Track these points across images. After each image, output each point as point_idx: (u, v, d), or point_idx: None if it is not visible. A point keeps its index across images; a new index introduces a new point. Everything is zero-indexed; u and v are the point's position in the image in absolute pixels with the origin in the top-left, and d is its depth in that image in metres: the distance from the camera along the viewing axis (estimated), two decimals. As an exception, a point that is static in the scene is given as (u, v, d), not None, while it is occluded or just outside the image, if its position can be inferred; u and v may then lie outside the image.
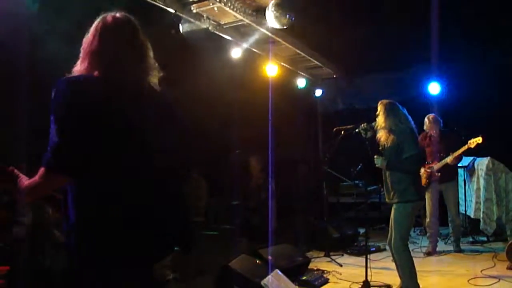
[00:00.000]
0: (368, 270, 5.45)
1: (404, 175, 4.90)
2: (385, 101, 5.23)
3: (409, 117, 5.19)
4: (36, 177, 2.15)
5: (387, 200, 5.13)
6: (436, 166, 7.08)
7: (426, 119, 7.39)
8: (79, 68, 2.31)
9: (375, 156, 5.14)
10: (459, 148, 6.84)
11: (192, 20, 6.11)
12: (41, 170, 2.11)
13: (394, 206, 4.99)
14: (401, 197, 4.91)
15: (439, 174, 7.06)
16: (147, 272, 2.38)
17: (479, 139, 6.63)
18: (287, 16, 5.96)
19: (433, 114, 7.41)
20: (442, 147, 7.14)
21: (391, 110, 5.12)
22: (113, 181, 2.16)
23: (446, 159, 6.97)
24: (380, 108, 5.20)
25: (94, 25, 2.34)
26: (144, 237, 2.23)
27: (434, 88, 9.03)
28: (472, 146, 6.69)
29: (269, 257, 5.87)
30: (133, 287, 2.29)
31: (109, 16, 2.35)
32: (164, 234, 2.34)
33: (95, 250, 2.14)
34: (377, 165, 5.12)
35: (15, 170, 2.34)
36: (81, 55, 2.34)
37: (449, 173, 7.23)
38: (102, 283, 2.19)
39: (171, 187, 2.43)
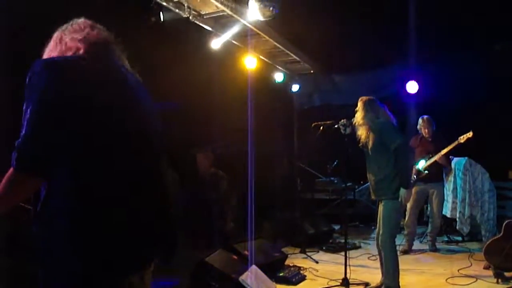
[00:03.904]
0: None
1: (392, 172, 4.86)
2: (365, 97, 5.24)
3: (390, 113, 5.16)
4: (3, 182, 1.84)
5: (373, 197, 5.12)
6: (425, 163, 7.09)
7: (420, 120, 7.44)
8: (54, 52, 2.12)
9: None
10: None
11: (172, 8, 5.96)
12: (9, 171, 1.84)
13: (382, 203, 4.98)
14: (388, 193, 4.88)
15: (426, 172, 7.06)
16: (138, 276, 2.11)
17: (469, 134, 6.67)
18: (271, 8, 5.86)
19: (428, 115, 7.41)
20: (432, 147, 7.17)
21: (370, 107, 5.12)
22: (95, 177, 1.89)
23: (435, 156, 7.00)
24: (359, 105, 5.19)
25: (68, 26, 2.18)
26: (133, 238, 1.99)
27: (411, 87, 9.03)
28: (462, 141, 6.72)
29: (246, 252, 5.79)
30: None
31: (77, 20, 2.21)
32: (150, 235, 2.11)
33: (77, 256, 1.87)
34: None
35: None
36: (53, 44, 2.16)
37: (437, 173, 7.26)
38: None
39: (157, 184, 2.20)
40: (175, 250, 2.25)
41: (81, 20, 2.20)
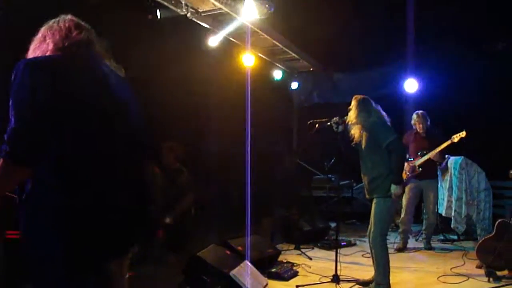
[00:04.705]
0: (338, 264, 5.45)
1: (385, 170, 4.91)
2: (358, 96, 5.23)
3: (383, 112, 5.19)
4: None
5: (367, 196, 5.14)
6: (418, 161, 7.08)
7: (414, 115, 7.38)
8: (38, 50, 2.22)
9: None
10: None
11: (170, 6, 6.01)
12: None
13: (374, 201, 5.00)
14: (381, 191, 4.92)
15: (420, 169, 7.08)
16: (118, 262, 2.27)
17: (462, 134, 6.65)
18: (266, 6, 5.91)
19: (422, 111, 7.39)
20: (426, 144, 7.12)
21: (363, 105, 5.13)
22: (79, 168, 2.01)
23: (428, 154, 6.99)
24: (353, 103, 5.21)
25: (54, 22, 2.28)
26: (111, 227, 2.10)
27: (410, 86, 9.06)
28: (456, 140, 6.70)
29: (240, 248, 5.84)
30: (97, 278, 2.14)
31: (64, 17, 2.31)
32: (130, 224, 2.21)
33: (59, 243, 1.97)
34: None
35: None
36: (37, 42, 2.25)
37: (431, 170, 7.26)
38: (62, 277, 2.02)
39: (136, 175, 2.31)
40: (152, 238, 2.39)
41: (67, 17, 2.31)
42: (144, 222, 2.32)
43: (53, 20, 2.29)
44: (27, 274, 2.05)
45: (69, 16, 2.31)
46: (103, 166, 2.09)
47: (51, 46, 2.19)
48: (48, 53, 2.18)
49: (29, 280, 2.06)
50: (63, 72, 2.07)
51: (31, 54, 2.24)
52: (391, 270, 5.01)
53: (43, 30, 2.27)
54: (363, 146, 5.11)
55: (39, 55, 2.20)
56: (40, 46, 2.22)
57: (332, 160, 9.36)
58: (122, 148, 2.20)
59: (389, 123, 5.15)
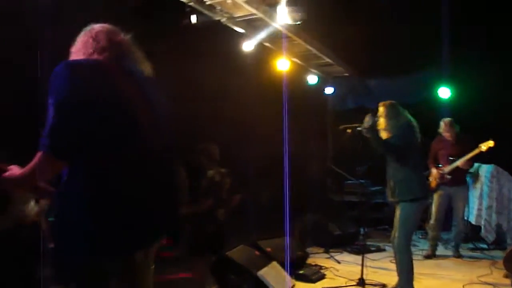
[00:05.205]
0: (365, 268, 5.51)
1: (410, 174, 4.93)
2: (386, 102, 5.23)
3: (411, 118, 5.19)
4: (32, 163, 2.16)
5: (391, 199, 5.13)
6: (447, 168, 7.07)
7: (442, 123, 7.35)
8: (78, 54, 2.41)
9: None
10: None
11: (205, 11, 6.16)
12: (38, 154, 2.13)
13: (399, 206, 5.01)
14: (405, 195, 4.91)
15: (449, 177, 7.06)
16: (141, 253, 2.40)
17: (490, 143, 6.62)
18: (300, 12, 6.00)
19: (450, 118, 7.35)
20: (455, 151, 7.09)
21: (392, 112, 5.13)
22: (110, 163, 2.18)
23: (457, 162, 6.96)
24: (381, 110, 5.19)
25: (92, 29, 2.46)
26: (138, 218, 2.26)
27: (444, 92, 9.02)
28: (484, 149, 6.68)
29: (269, 249, 5.94)
30: (124, 267, 2.32)
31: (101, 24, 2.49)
32: (157, 215, 2.37)
33: (88, 232, 2.14)
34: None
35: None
36: (78, 46, 2.44)
37: (460, 178, 7.21)
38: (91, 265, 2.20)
39: (164, 171, 2.47)
40: (179, 232, 2.55)
41: (105, 25, 2.49)
42: (170, 215, 2.49)
43: (92, 26, 2.48)
44: (56, 261, 2.22)
45: (106, 25, 2.50)
46: (133, 161, 2.25)
47: (90, 50, 2.38)
48: (87, 57, 2.37)
49: (56, 265, 2.23)
50: (100, 75, 2.26)
51: (72, 57, 2.44)
52: (417, 276, 5.04)
53: (82, 35, 2.47)
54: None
55: (80, 58, 2.38)
56: (80, 50, 2.41)
57: (365, 165, 9.38)
58: (152, 144, 2.36)
59: (415, 128, 5.13)
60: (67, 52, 2.48)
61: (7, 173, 2.28)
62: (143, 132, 2.33)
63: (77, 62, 2.34)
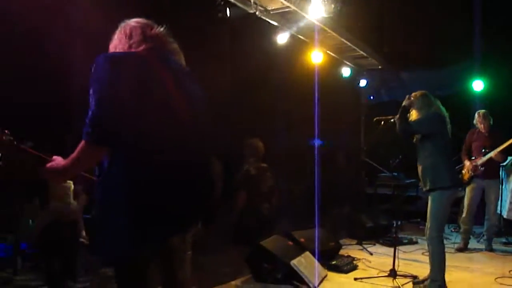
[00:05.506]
0: (397, 260, 5.53)
1: (438, 161, 4.92)
2: (418, 93, 5.21)
3: (442, 108, 5.16)
4: (75, 153, 2.25)
5: (423, 189, 5.14)
6: (480, 160, 7.01)
7: (476, 114, 7.30)
8: (117, 47, 2.53)
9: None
10: None
11: (239, 4, 6.24)
12: (81, 144, 2.22)
13: (430, 197, 5.01)
14: (434, 183, 4.91)
15: (482, 168, 7.01)
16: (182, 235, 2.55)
17: None
18: (333, 4, 6.03)
19: (484, 110, 7.29)
20: (488, 143, 7.03)
21: (423, 102, 5.12)
22: (150, 151, 2.27)
23: (490, 153, 6.90)
24: (413, 100, 5.20)
25: (126, 25, 2.57)
26: (176, 203, 2.35)
27: (477, 85, 8.95)
28: None
29: (302, 240, 6.01)
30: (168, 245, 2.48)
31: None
32: (194, 201, 2.45)
33: (129, 218, 2.23)
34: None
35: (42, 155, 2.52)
36: (114, 43, 2.56)
37: (493, 170, 7.15)
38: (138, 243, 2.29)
39: (202, 161, 2.56)
40: (213, 219, 2.65)
41: (139, 19, 2.60)
42: (206, 201, 2.57)
43: (129, 20, 2.59)
44: (94, 244, 2.33)
45: (142, 19, 2.61)
46: (171, 150, 2.35)
47: (126, 45, 2.49)
48: (126, 50, 2.48)
49: (95, 249, 2.34)
50: (139, 65, 2.35)
51: (111, 50, 2.56)
52: (448, 268, 5.03)
53: (118, 32, 2.58)
54: (418, 139, 5.15)
55: (118, 51, 2.50)
56: (117, 46, 2.53)
57: (398, 158, 9.35)
58: (189, 134, 2.46)
59: (445, 118, 5.11)
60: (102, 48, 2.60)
61: (50, 163, 2.39)
62: (181, 122, 2.41)
63: (116, 54, 2.46)
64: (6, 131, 2.49)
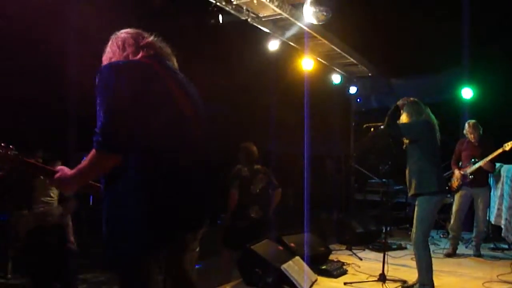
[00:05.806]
0: (386, 265, 5.58)
1: (426, 166, 4.96)
2: (408, 99, 5.25)
3: (432, 116, 5.22)
4: (86, 161, 2.29)
5: (409, 193, 5.17)
6: (470, 169, 7.09)
7: (466, 124, 7.34)
8: (111, 59, 2.57)
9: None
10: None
11: (232, 11, 6.30)
12: (91, 152, 2.26)
13: (417, 202, 5.04)
14: (420, 188, 4.94)
15: (471, 177, 7.09)
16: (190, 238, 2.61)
17: None
18: (324, 12, 6.10)
19: (474, 120, 7.35)
20: (478, 152, 7.09)
21: (414, 109, 5.16)
22: (161, 155, 2.33)
23: (479, 162, 6.97)
24: (407, 103, 5.25)
25: (117, 37, 2.62)
26: (188, 203, 2.42)
27: (466, 93, 9.07)
28: (507, 148, 6.61)
29: (292, 245, 6.05)
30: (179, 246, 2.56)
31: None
32: (204, 200, 2.55)
33: (145, 219, 2.28)
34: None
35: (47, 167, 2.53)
36: (108, 55, 2.60)
37: (482, 178, 7.21)
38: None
39: (208, 162, 2.64)
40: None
41: (129, 30, 2.65)
42: (212, 201, 2.66)
43: (118, 32, 2.64)
44: (106, 246, 2.37)
45: (133, 29, 2.66)
46: (181, 148, 2.42)
47: (122, 54, 2.54)
48: (126, 58, 2.52)
49: (107, 250, 2.37)
50: (143, 72, 2.40)
51: (105, 62, 2.59)
52: (437, 273, 5.10)
53: (112, 41, 2.62)
54: (407, 145, 5.20)
55: (119, 60, 2.54)
56: (113, 56, 2.57)
57: (388, 165, 9.43)
58: (196, 136, 2.54)
59: (434, 126, 5.17)
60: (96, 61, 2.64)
61: (58, 174, 2.41)
62: (188, 123, 2.50)
63: (120, 62, 2.50)
64: (11, 146, 2.51)
